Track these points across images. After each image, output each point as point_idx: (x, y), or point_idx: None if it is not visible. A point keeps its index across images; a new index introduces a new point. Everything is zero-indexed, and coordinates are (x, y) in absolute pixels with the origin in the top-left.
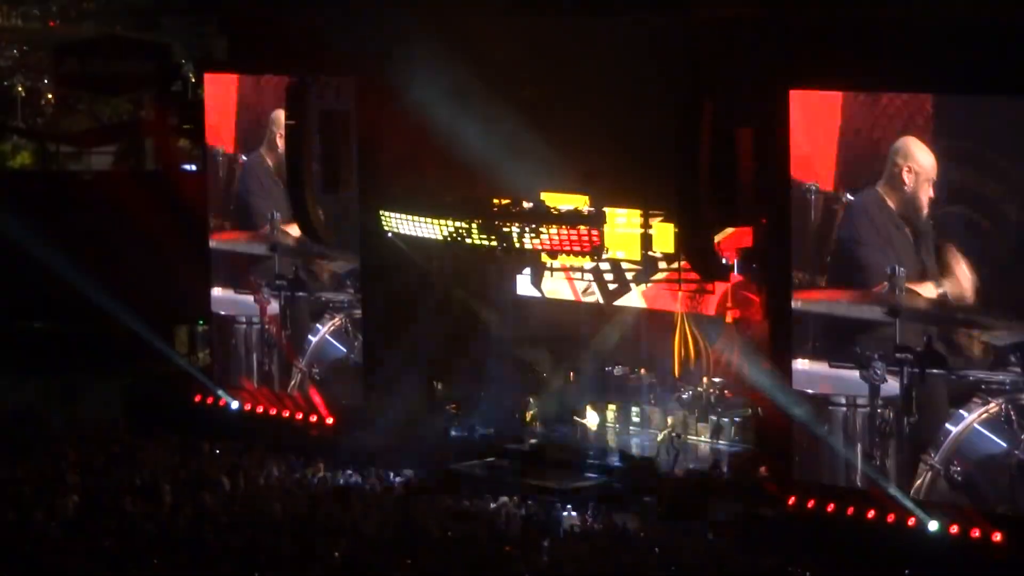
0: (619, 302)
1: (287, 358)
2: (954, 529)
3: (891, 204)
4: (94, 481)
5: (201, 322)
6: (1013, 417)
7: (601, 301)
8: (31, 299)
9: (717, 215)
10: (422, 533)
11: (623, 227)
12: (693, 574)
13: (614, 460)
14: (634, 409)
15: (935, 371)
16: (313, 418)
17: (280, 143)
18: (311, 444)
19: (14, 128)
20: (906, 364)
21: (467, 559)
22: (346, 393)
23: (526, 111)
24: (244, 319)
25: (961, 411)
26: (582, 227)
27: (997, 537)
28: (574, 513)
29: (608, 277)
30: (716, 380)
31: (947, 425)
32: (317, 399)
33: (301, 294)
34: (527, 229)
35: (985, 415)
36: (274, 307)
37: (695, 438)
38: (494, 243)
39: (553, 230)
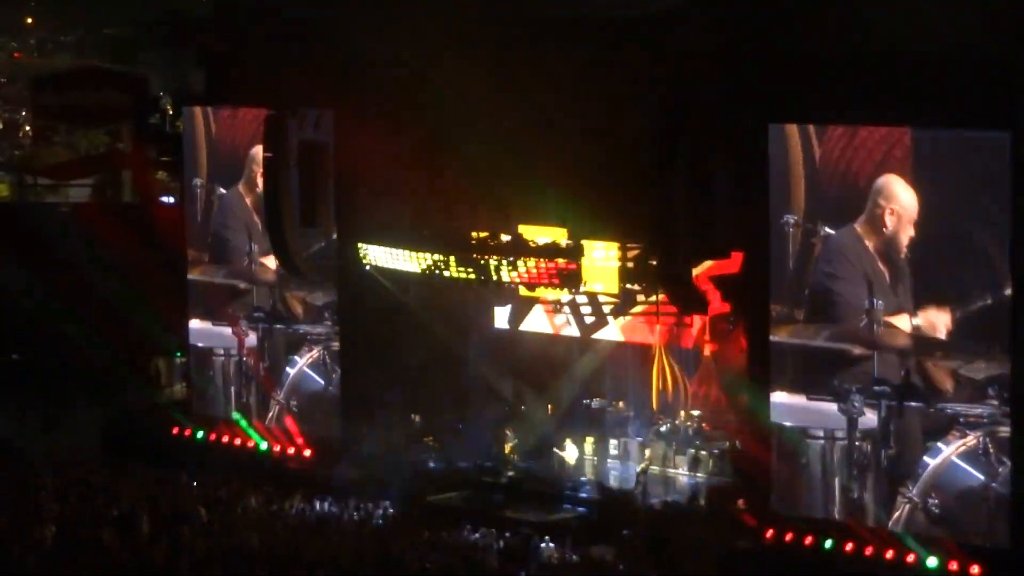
0: (597, 335)
1: (265, 390)
2: (932, 562)
3: (869, 244)
4: (71, 512)
5: (179, 354)
6: (991, 450)
7: (579, 334)
8: (8, 331)
9: (694, 248)
10: (400, 565)
11: (601, 260)
12: None
13: (592, 492)
14: (612, 442)
15: (913, 404)
16: (291, 450)
17: (259, 179)
18: (289, 476)
19: None
20: (884, 397)
21: None
22: (324, 425)
23: (504, 144)
24: (222, 351)
25: (939, 444)
26: (560, 259)
27: (975, 570)
28: (552, 545)
29: (586, 310)
30: (694, 413)
31: (925, 458)
32: (295, 431)
33: (279, 326)
34: (504, 262)
35: (963, 448)
36: (252, 339)
37: (673, 471)
38: (472, 276)
39: (531, 263)
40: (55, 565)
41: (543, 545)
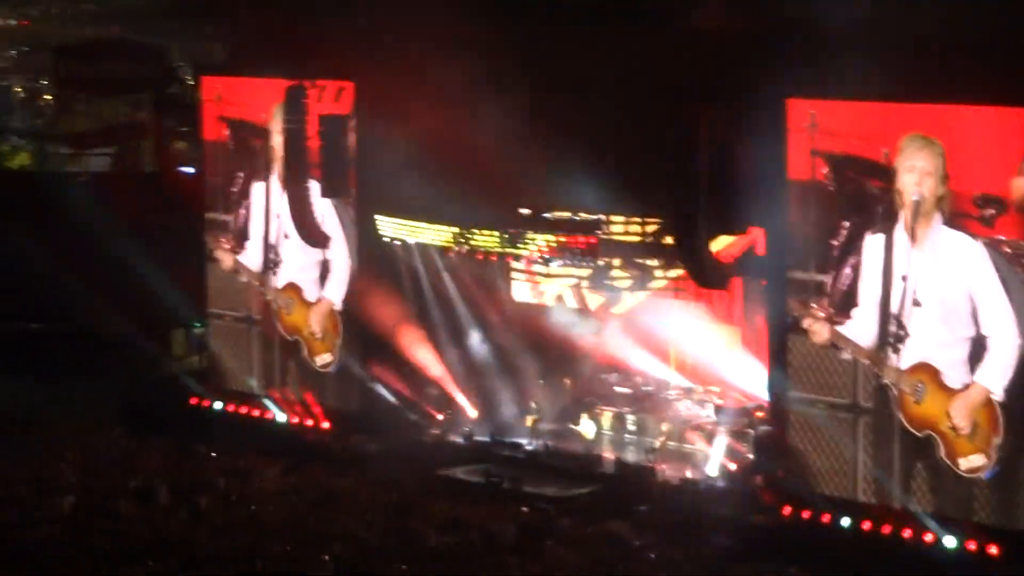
0: (616, 309)
1: (284, 361)
2: (950, 542)
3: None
4: (90, 483)
5: (197, 324)
6: None
7: (598, 308)
8: (27, 301)
9: (714, 224)
10: (416, 539)
11: (620, 234)
12: None
13: (609, 468)
14: (630, 417)
15: None
16: (309, 422)
17: (278, 151)
18: (307, 448)
19: (13, 129)
20: None
21: (461, 566)
22: (341, 398)
23: (524, 119)
24: (242, 322)
25: None
26: (579, 234)
27: (993, 550)
28: (568, 521)
29: (604, 284)
30: (712, 389)
31: None
32: (313, 403)
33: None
34: (524, 235)
35: None
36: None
37: (690, 447)
38: (491, 249)
39: (550, 236)
40: (74, 535)
41: (559, 520)
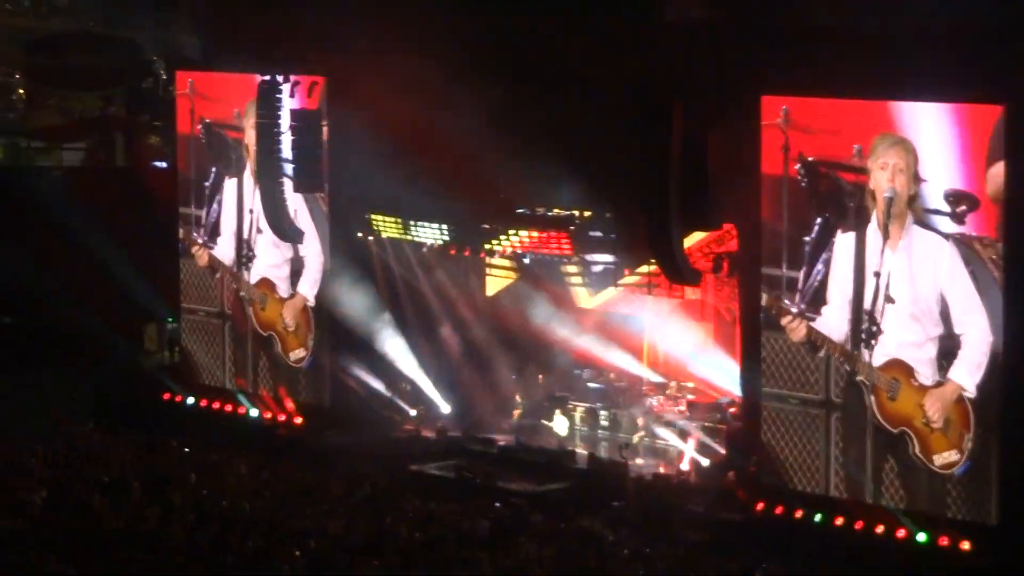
0: (589, 304)
1: (255, 356)
2: (921, 537)
3: None
4: (61, 477)
5: (170, 319)
6: None
7: (570, 304)
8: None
9: (685, 218)
10: (389, 534)
11: (592, 230)
12: None
13: (582, 464)
14: (603, 413)
15: None
16: (281, 417)
17: (251, 146)
18: (279, 443)
19: None
20: None
21: (434, 561)
22: (314, 393)
23: (494, 112)
24: (215, 316)
25: None
26: (553, 230)
27: (965, 546)
28: (541, 516)
29: (578, 280)
30: (685, 384)
31: None
32: (285, 397)
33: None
34: (498, 231)
35: None
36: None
37: (663, 442)
38: (464, 244)
39: (524, 232)
40: (45, 529)
41: (532, 516)
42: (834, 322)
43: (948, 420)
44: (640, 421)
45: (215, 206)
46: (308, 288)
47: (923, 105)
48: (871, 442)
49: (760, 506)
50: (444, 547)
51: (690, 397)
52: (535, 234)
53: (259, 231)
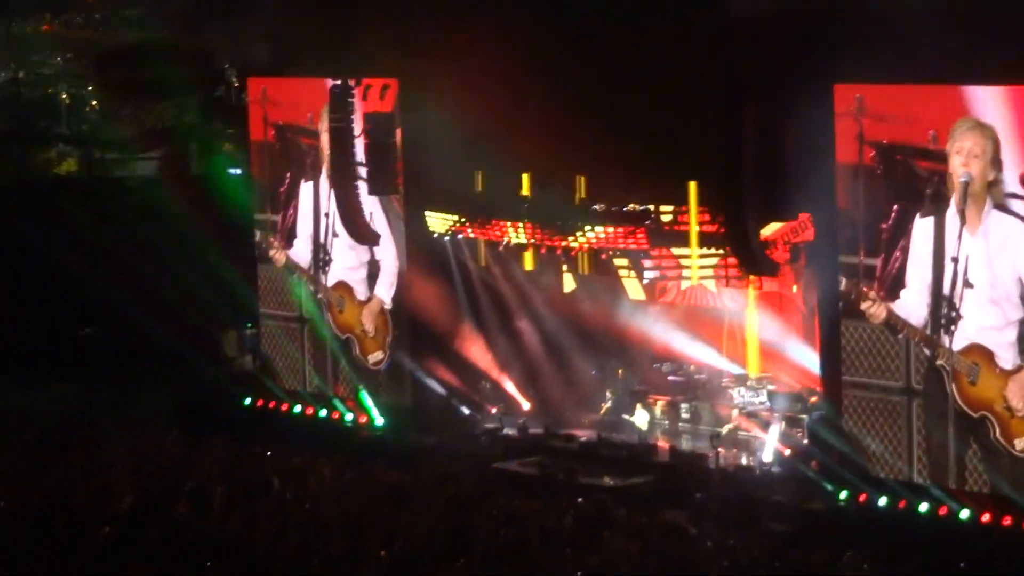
0: (666, 298)
1: (335, 360)
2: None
3: None
4: (145, 486)
5: (249, 325)
6: None
7: (648, 298)
8: (79, 307)
9: (763, 210)
10: (473, 534)
11: (669, 224)
12: (745, 569)
13: (664, 457)
14: (683, 405)
15: None
16: (363, 419)
17: (325, 151)
18: (361, 446)
19: (60, 135)
20: None
21: (519, 559)
22: (395, 394)
23: (569, 111)
24: (293, 321)
25: None
26: (629, 225)
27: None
28: (624, 511)
29: (655, 274)
30: (765, 375)
31: None
32: (368, 400)
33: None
34: (574, 227)
35: None
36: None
37: (745, 434)
38: (541, 241)
39: (599, 228)
40: (129, 538)
41: (616, 511)
42: (913, 307)
43: None
44: (733, 412)
45: (290, 211)
46: (385, 291)
47: (998, 88)
48: (953, 427)
49: (843, 495)
50: (528, 544)
51: (771, 387)
52: (611, 230)
53: (335, 235)
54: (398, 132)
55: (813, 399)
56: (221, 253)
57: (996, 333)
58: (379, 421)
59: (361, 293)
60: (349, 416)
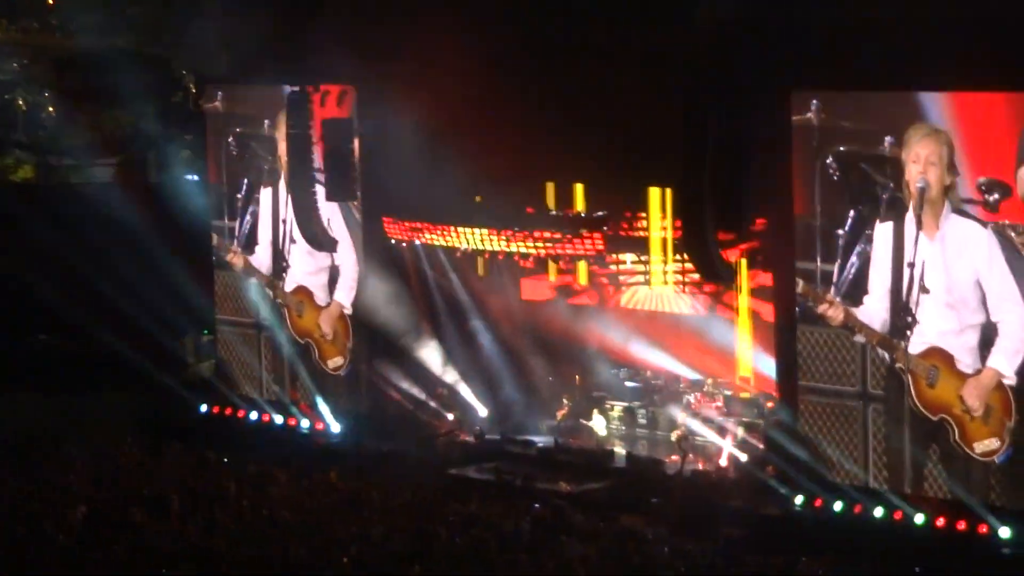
0: (623, 303)
1: (293, 365)
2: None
3: None
4: (102, 493)
5: (206, 332)
6: None
7: (606, 303)
8: (34, 315)
9: (720, 216)
10: (431, 539)
11: (626, 230)
12: (702, 573)
13: (621, 462)
14: (640, 411)
15: None
16: (319, 425)
17: (283, 157)
18: (319, 452)
19: (16, 142)
20: None
21: (476, 564)
22: (352, 400)
23: (527, 118)
24: (250, 328)
25: None
26: (586, 231)
27: (1005, 532)
28: (582, 516)
29: (612, 279)
30: (722, 381)
31: None
32: (325, 407)
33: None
34: (530, 233)
35: None
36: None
37: (701, 439)
38: (498, 248)
39: (557, 234)
40: (86, 545)
41: (573, 516)
42: (874, 311)
43: (989, 407)
44: (678, 419)
45: (248, 218)
46: (344, 296)
47: (953, 95)
48: (910, 431)
49: (799, 499)
50: (486, 550)
51: (727, 393)
52: (568, 235)
53: (293, 241)
54: (356, 138)
55: (769, 404)
56: (178, 260)
57: (955, 336)
58: (336, 428)
59: (321, 298)
60: (306, 423)
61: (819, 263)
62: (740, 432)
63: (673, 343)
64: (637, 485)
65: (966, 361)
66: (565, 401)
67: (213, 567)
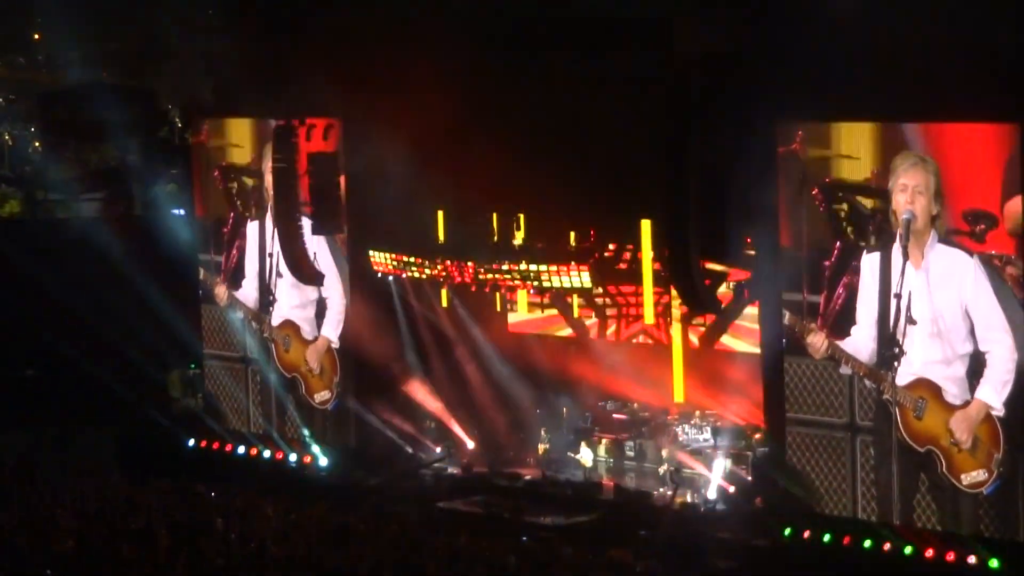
0: (609, 334)
1: (280, 399)
2: (952, 557)
3: None
4: (89, 527)
5: (193, 366)
6: None
7: (592, 336)
8: (21, 348)
9: (706, 248)
10: (418, 572)
11: (612, 261)
12: None
13: (609, 495)
14: (628, 443)
15: None
16: (307, 459)
17: (269, 191)
18: (306, 486)
19: (2, 176)
20: None
21: None
22: (340, 434)
23: (511, 151)
24: (237, 362)
25: None
26: (572, 262)
27: (994, 563)
28: (570, 549)
29: (598, 311)
30: (709, 412)
31: None
32: (312, 440)
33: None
34: (518, 266)
35: None
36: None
37: (689, 471)
38: (484, 278)
39: (542, 267)
40: None
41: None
42: (861, 342)
43: (977, 439)
44: (665, 451)
45: (234, 251)
46: (331, 330)
47: (939, 126)
48: (898, 462)
49: (787, 531)
50: None
51: (716, 424)
52: (555, 268)
53: (279, 274)
54: (342, 172)
55: (757, 436)
56: (165, 294)
57: (942, 367)
58: (323, 461)
59: (308, 332)
60: (293, 456)
61: (805, 294)
62: (728, 464)
63: (660, 374)
64: (626, 517)
65: (953, 392)
66: (543, 433)
67: None
